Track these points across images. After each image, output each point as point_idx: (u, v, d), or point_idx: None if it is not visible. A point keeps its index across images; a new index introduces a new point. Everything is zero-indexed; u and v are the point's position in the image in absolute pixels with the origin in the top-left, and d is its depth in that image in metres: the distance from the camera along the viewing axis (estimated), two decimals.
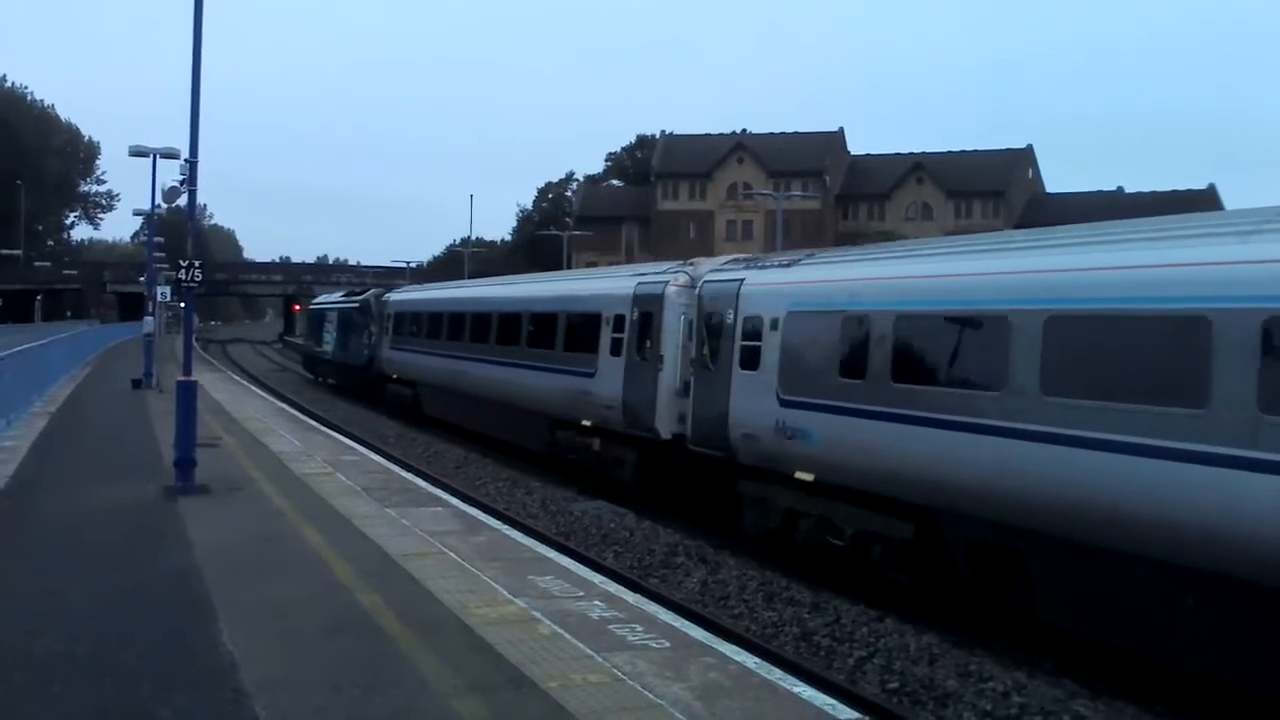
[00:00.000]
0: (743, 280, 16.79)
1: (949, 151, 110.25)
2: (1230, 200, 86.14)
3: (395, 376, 37.84)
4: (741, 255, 19.54)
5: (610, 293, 21.57)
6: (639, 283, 20.37)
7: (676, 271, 19.51)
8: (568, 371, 22.62)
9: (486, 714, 7.37)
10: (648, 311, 19.53)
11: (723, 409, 16.57)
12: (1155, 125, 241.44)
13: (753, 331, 16.01)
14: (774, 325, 15.51)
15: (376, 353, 40.05)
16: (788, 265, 16.42)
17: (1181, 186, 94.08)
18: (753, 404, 15.77)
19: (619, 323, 20.58)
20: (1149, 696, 10.38)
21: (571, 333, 23.17)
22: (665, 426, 18.71)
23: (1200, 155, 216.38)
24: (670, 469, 19.04)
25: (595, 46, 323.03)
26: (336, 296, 53.38)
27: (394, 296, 40.71)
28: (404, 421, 35.18)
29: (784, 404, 15.00)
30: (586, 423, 21.63)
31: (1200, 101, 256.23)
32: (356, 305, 44.46)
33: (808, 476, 14.57)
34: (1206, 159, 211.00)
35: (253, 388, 43.05)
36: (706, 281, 18.01)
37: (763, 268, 16.93)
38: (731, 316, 16.60)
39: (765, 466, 15.64)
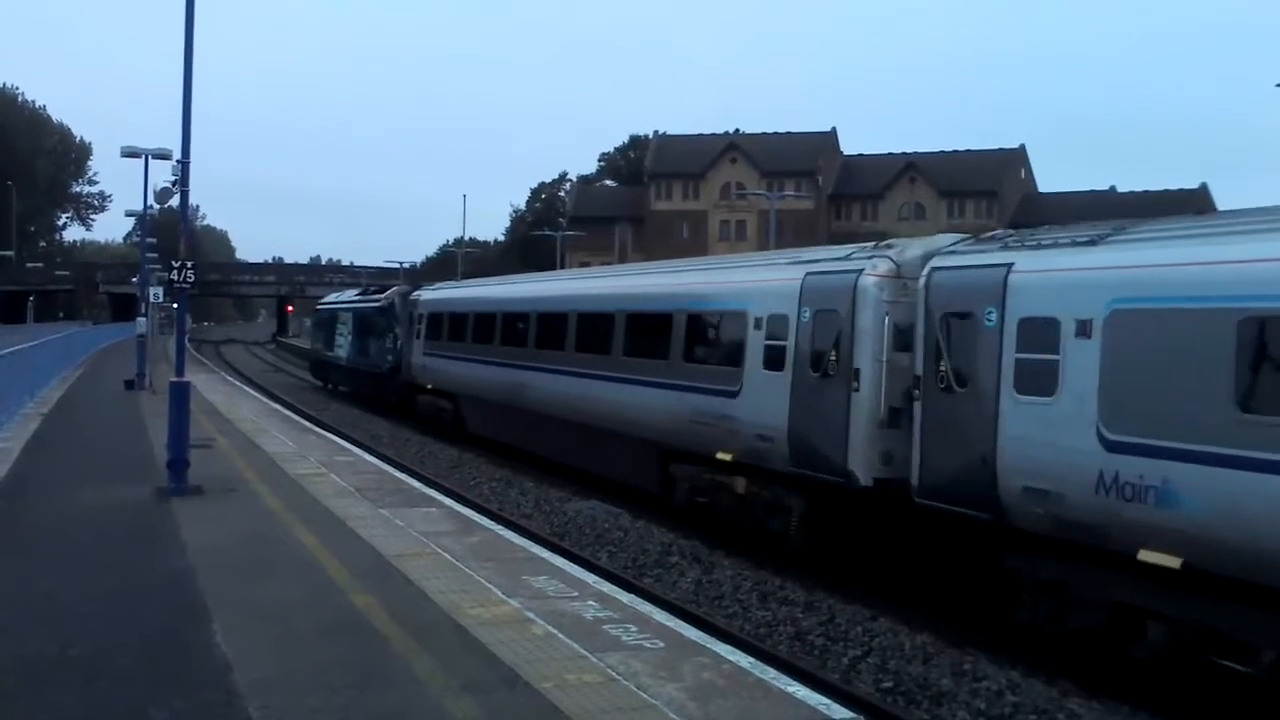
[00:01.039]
0: (1011, 266, 12.11)
1: (941, 151, 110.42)
2: (1222, 200, 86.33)
3: (429, 387, 32.69)
4: (990, 233, 14.03)
5: (763, 286, 16.47)
6: (811, 272, 15.43)
7: (872, 256, 14.57)
8: (691, 389, 17.58)
9: (481, 714, 7.37)
10: (829, 310, 14.65)
11: (984, 450, 11.95)
12: (1146, 125, 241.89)
13: (1039, 339, 11.50)
14: (1083, 330, 11.03)
15: (405, 359, 35.08)
16: (1093, 242, 11.58)
17: (1173, 186, 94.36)
18: (1045, 444, 11.28)
19: (777, 325, 15.64)
20: (1143, 696, 10.40)
21: (697, 338, 18.32)
22: (863, 467, 13.80)
23: (1191, 155, 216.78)
24: (863, 524, 14.43)
25: (589, 47, 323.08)
26: (350, 295, 48.92)
27: (426, 295, 34.98)
28: (442, 438, 30.53)
29: (1113, 447, 10.48)
30: (724, 456, 16.48)
31: (1191, 102, 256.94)
32: (377, 305, 40.05)
33: (1167, 560, 9.94)
34: (1198, 159, 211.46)
35: (246, 388, 42.98)
36: (939, 269, 13.10)
37: (1042, 247, 12.16)
38: (994, 317, 12.08)
39: (1069, 537, 11.12)
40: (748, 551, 16.28)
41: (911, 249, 14.30)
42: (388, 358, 37.64)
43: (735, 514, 16.80)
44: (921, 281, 13.18)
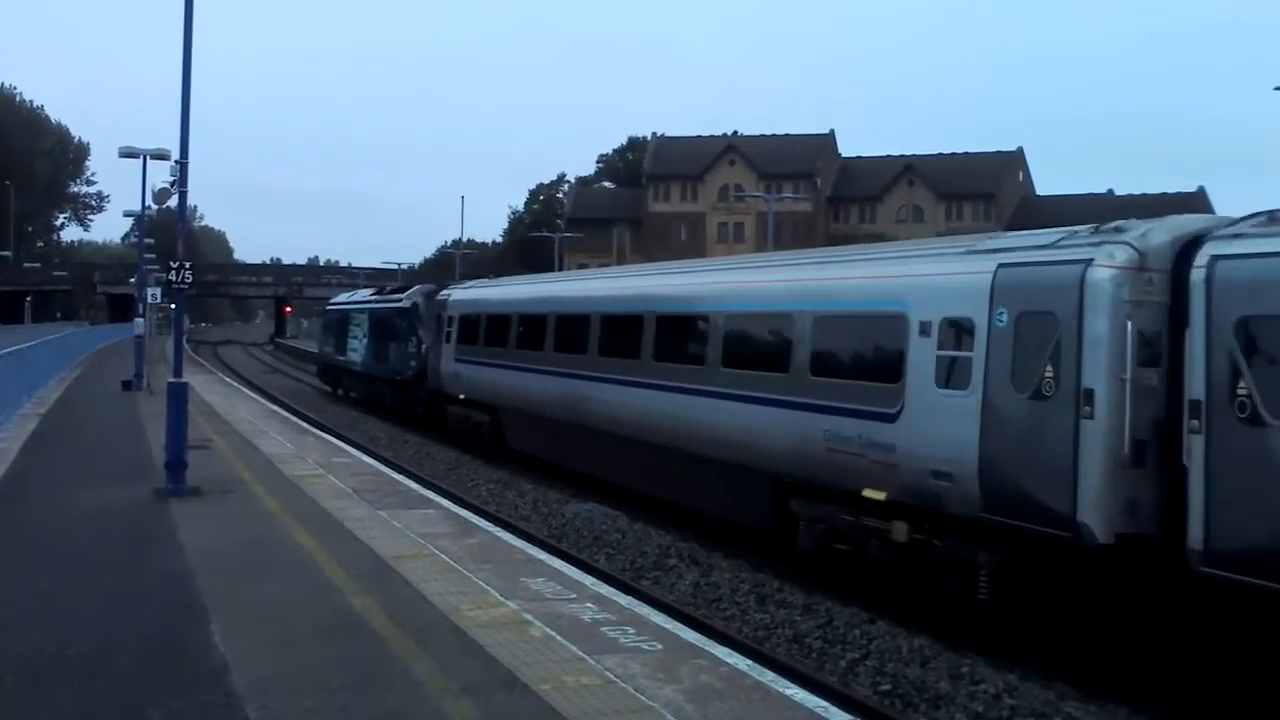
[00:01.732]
0: None
1: (940, 154, 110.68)
2: (1219, 203, 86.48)
3: (462, 397, 28.95)
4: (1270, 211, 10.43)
5: (930, 282, 12.96)
6: (1006, 264, 12.02)
7: (1102, 243, 11.22)
8: (825, 408, 14.06)
9: (479, 716, 7.37)
10: (1040, 313, 11.42)
11: None
12: (1144, 128, 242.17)
13: None
14: None
15: (434, 365, 31.14)
16: None
17: (1171, 189, 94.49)
18: None
19: (956, 331, 12.23)
20: (1141, 698, 10.40)
21: (831, 347, 14.58)
22: (1100, 519, 10.55)
23: (1189, 158, 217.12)
24: (1091, 589, 11.03)
25: (587, 48, 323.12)
26: (365, 295, 45.57)
27: (458, 294, 31.09)
28: (476, 454, 27.35)
29: None
30: (874, 495, 13.10)
31: (1189, 104, 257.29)
32: (397, 306, 36.70)
33: None
34: (1196, 162, 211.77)
35: (244, 389, 42.95)
36: (1227, 257, 10.00)
37: None
38: None
39: None
40: (746, 554, 16.28)
41: (1155, 233, 11.04)
42: (410, 364, 34.21)
43: (890, 566, 13.28)
44: (1198, 274, 10.14)
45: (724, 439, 16.37)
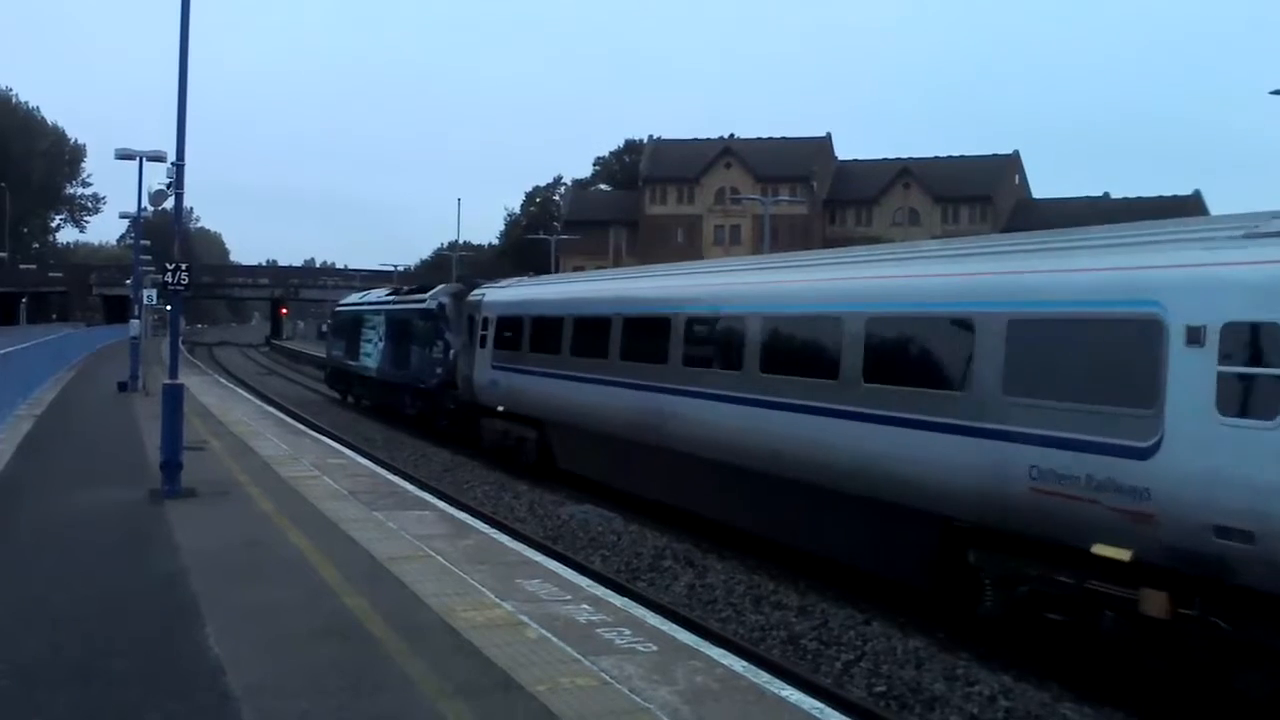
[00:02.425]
0: None
1: (936, 157, 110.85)
2: (1215, 206, 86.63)
3: (501, 409, 25.47)
4: None
5: (1202, 274, 9.81)
6: None
7: None
8: (1030, 438, 10.95)
9: (474, 718, 7.37)
10: None
11: None
12: (1139, 132, 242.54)
13: None
14: None
15: (465, 374, 27.67)
16: None
17: (1166, 192, 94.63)
18: None
19: (1252, 342, 9.25)
20: (1136, 701, 10.41)
21: (1037, 357, 11.20)
22: None
23: (1184, 162, 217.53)
24: None
25: (583, 51, 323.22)
26: (379, 295, 42.28)
27: (496, 294, 27.29)
28: (518, 474, 24.12)
29: None
30: (1110, 553, 10.16)
31: (1184, 108, 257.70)
32: (420, 307, 33.26)
33: None
34: (1191, 165, 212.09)
35: (240, 391, 42.92)
36: None
37: None
38: None
39: None
40: (741, 555, 16.28)
41: None
42: (436, 371, 30.83)
43: (1134, 644, 10.27)
44: None
45: (866, 470, 13.14)
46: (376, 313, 39.46)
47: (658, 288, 20.17)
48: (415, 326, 33.55)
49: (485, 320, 26.68)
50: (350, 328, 43.02)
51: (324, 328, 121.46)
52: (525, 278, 32.19)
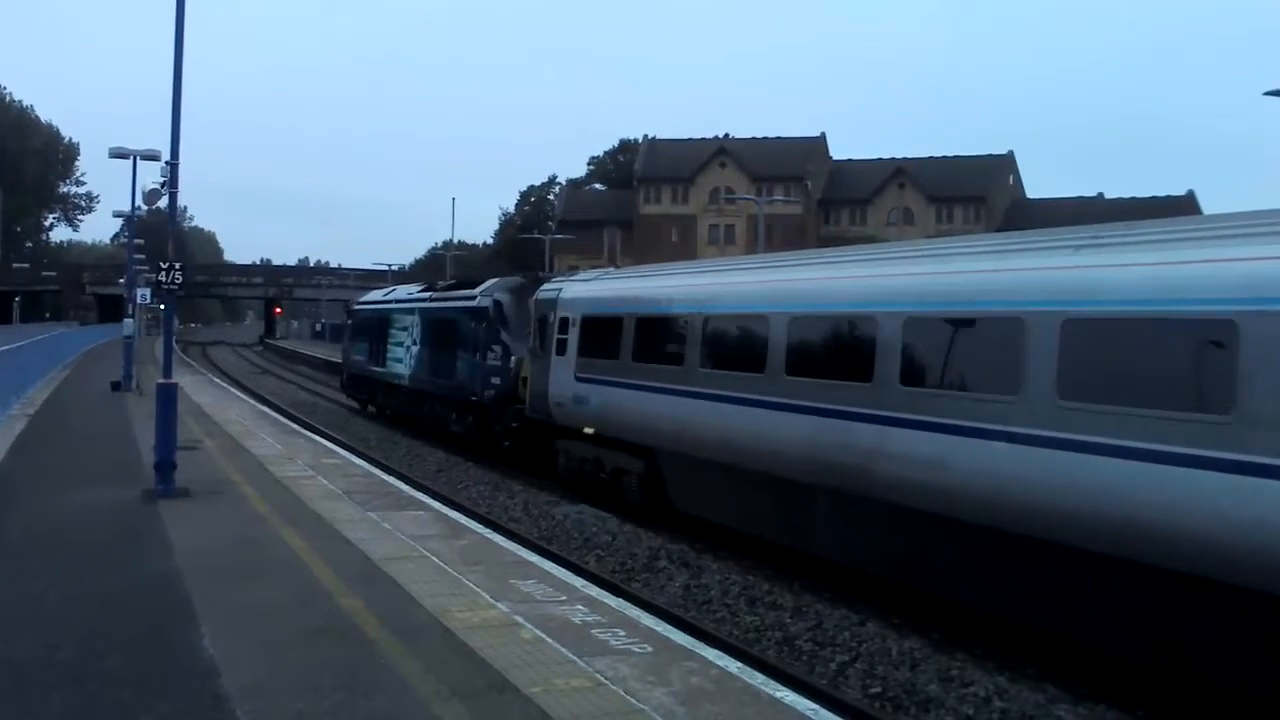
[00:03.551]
0: None
1: (930, 157, 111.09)
2: (1208, 206, 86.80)
3: (590, 432, 20.63)
4: None
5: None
6: None
7: None
8: None
9: (469, 719, 7.36)
10: None
11: None
12: (1133, 132, 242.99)
13: None
14: None
15: (537, 386, 22.62)
16: None
17: (1161, 193, 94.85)
18: None
19: None
20: (1131, 701, 10.43)
21: None
22: None
23: (1178, 162, 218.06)
24: None
25: (578, 50, 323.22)
26: (410, 291, 36.93)
27: (578, 289, 22.08)
28: (621, 512, 19.44)
29: None
30: None
31: (1178, 109, 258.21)
32: (468, 305, 28.23)
33: None
34: (1184, 166, 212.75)
35: (234, 390, 42.87)
36: None
37: None
38: None
39: None
40: (736, 556, 16.27)
41: None
42: (491, 381, 25.88)
43: None
44: None
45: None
46: (408, 311, 34.33)
47: (853, 279, 14.36)
48: (462, 328, 28.40)
49: (564, 321, 21.66)
50: (374, 329, 37.79)
51: (317, 327, 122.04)
52: (614, 269, 26.54)
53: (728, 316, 16.73)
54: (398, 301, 36.76)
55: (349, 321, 44.84)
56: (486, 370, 26.21)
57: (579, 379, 20.78)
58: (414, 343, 32.86)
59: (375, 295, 42.42)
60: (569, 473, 21.98)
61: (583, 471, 21.24)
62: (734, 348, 16.35)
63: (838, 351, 14.13)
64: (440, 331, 30.48)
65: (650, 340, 18.75)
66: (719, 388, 16.15)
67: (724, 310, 16.81)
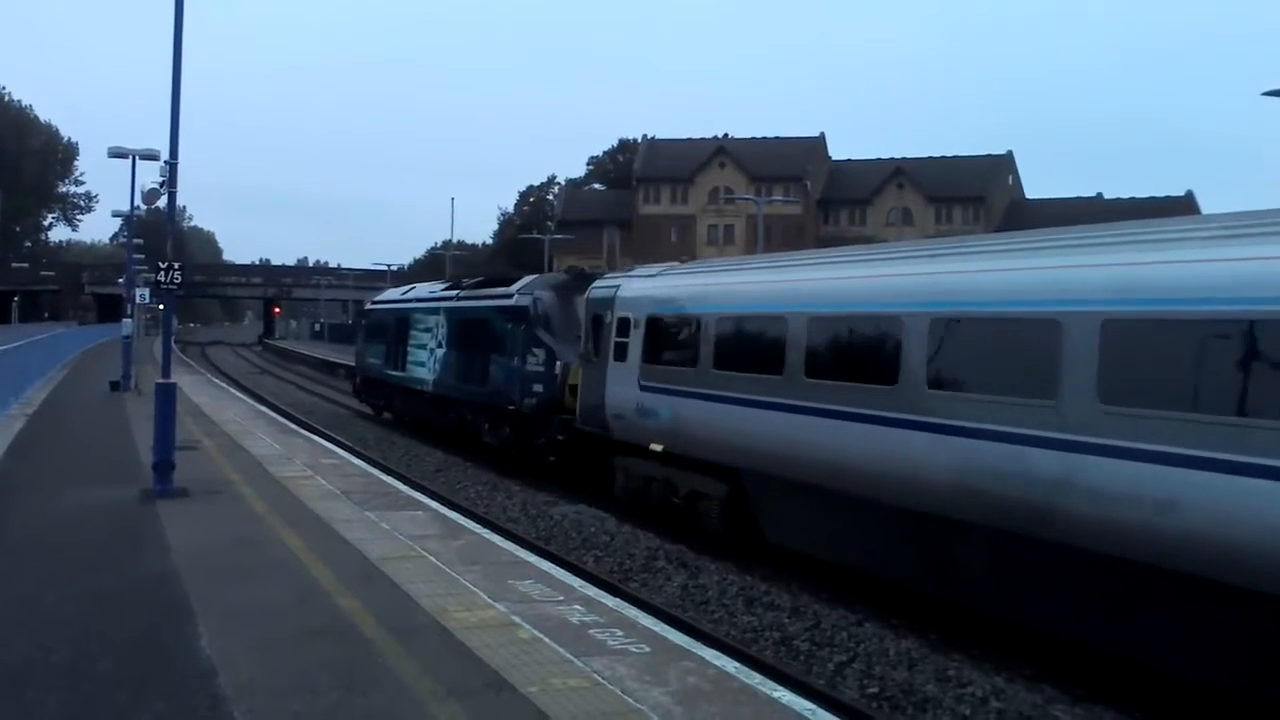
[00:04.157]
0: None
1: (929, 157, 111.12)
2: (1208, 207, 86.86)
3: (659, 448, 17.90)
4: None
5: None
6: None
7: None
8: None
9: (466, 718, 7.35)
10: None
11: None
12: (1133, 133, 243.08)
13: None
14: None
15: (591, 396, 20.16)
16: None
17: (1159, 193, 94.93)
18: None
19: None
20: (1128, 702, 10.43)
21: None
22: None
23: (1177, 163, 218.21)
24: None
25: (577, 50, 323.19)
26: (433, 289, 34.35)
27: (641, 286, 19.50)
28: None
29: None
30: None
31: (1177, 109, 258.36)
32: (507, 304, 25.55)
33: None
34: (1183, 166, 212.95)
35: (232, 390, 42.86)
36: None
37: None
38: None
39: None
40: (734, 556, 16.27)
41: None
42: (533, 388, 23.48)
43: None
44: None
45: None
46: (432, 311, 31.60)
47: (1033, 270, 11.35)
48: (497, 329, 25.88)
49: (623, 322, 19.18)
50: (392, 330, 35.08)
51: (316, 327, 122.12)
52: (679, 264, 23.20)
53: (842, 318, 13.95)
54: (419, 300, 33.99)
55: (362, 322, 42.19)
56: (526, 376, 23.69)
57: (644, 388, 18.28)
58: (439, 345, 30.26)
59: (392, 293, 40.22)
60: (629, 494, 19.37)
61: (648, 493, 18.65)
62: (853, 355, 13.71)
63: (1002, 361, 11.37)
64: (470, 333, 28.00)
65: (738, 344, 16.16)
66: (831, 401, 13.51)
67: (836, 310, 14.05)
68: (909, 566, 12.92)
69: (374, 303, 41.20)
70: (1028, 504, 10.58)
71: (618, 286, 20.09)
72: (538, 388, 23.32)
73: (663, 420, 17.73)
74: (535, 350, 23.65)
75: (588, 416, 20.38)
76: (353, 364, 43.87)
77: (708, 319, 16.85)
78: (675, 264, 22.44)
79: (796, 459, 14.24)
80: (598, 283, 21.49)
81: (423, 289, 36.00)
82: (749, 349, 15.84)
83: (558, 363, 22.97)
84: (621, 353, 19.08)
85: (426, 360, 31.05)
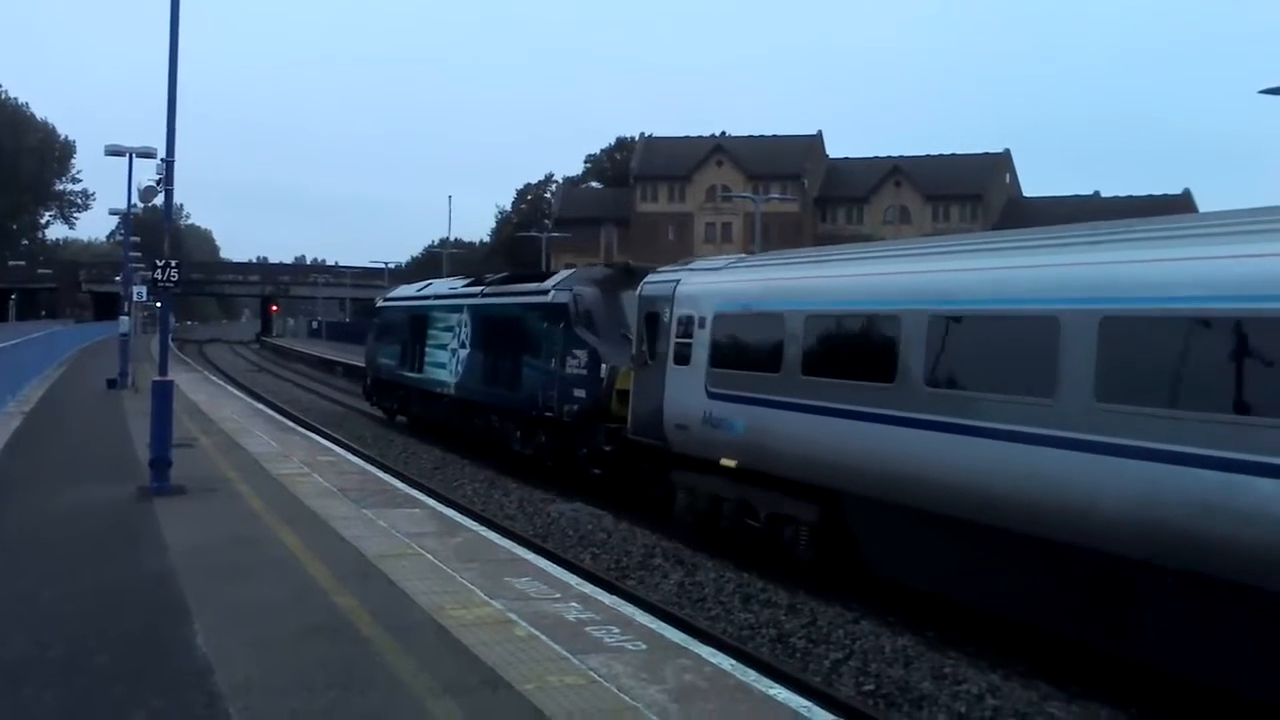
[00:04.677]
0: None
1: (927, 155, 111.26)
2: (1205, 205, 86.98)
3: (733, 464, 15.62)
4: None
5: None
6: None
7: None
8: None
9: (462, 716, 7.36)
10: None
11: None
12: (1130, 131, 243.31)
13: None
14: None
15: (646, 402, 17.93)
16: None
17: (1156, 191, 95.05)
18: None
19: None
20: (1123, 698, 10.45)
21: None
22: None
23: (1174, 161, 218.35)
24: None
25: (575, 48, 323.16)
26: (453, 285, 32.50)
27: (706, 280, 17.41)
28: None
29: None
30: None
31: (1175, 107, 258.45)
32: (543, 301, 23.45)
33: None
34: (1181, 165, 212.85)
35: (229, 388, 42.84)
36: None
37: None
38: None
39: None
40: (730, 554, 16.27)
41: None
42: (574, 394, 21.31)
43: None
44: None
45: None
46: (453, 309, 29.50)
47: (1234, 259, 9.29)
48: (531, 329, 23.86)
49: (685, 320, 17.18)
50: (408, 329, 33.10)
51: (314, 325, 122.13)
52: (747, 255, 20.83)
53: (976, 318, 11.75)
54: (438, 297, 31.87)
55: (374, 320, 39.69)
56: (566, 380, 21.57)
57: (712, 395, 16.20)
58: (461, 345, 28.23)
59: (407, 290, 37.68)
60: (693, 513, 17.23)
61: (717, 514, 16.51)
62: (991, 360, 11.53)
63: (1206, 369, 9.30)
64: (499, 332, 25.96)
65: (835, 346, 14.08)
66: (963, 415, 11.40)
67: (967, 307, 11.88)
68: (1071, 614, 10.75)
69: (387, 299, 39.04)
70: (1251, 547, 8.59)
71: (677, 281, 17.90)
72: (579, 393, 21.13)
73: (737, 432, 15.57)
74: (576, 351, 21.47)
75: (642, 426, 18.21)
76: (352, 362, 43.57)
77: (794, 317, 14.63)
78: (743, 255, 20.40)
79: (918, 482, 11.99)
80: (651, 277, 19.20)
81: (441, 285, 34.21)
82: (850, 352, 13.74)
83: (603, 365, 20.59)
84: (683, 355, 17.06)
85: (448, 361, 29.09)
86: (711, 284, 17.14)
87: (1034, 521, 10.51)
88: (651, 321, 18.19)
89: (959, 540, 11.72)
